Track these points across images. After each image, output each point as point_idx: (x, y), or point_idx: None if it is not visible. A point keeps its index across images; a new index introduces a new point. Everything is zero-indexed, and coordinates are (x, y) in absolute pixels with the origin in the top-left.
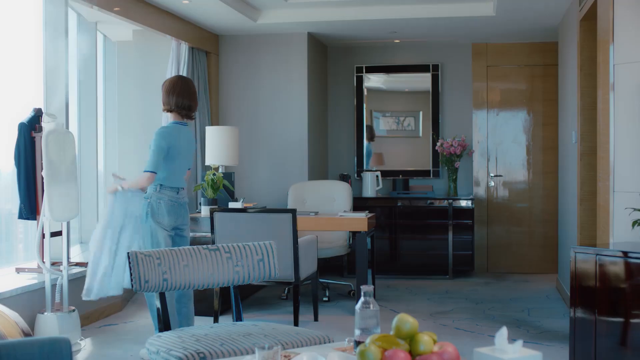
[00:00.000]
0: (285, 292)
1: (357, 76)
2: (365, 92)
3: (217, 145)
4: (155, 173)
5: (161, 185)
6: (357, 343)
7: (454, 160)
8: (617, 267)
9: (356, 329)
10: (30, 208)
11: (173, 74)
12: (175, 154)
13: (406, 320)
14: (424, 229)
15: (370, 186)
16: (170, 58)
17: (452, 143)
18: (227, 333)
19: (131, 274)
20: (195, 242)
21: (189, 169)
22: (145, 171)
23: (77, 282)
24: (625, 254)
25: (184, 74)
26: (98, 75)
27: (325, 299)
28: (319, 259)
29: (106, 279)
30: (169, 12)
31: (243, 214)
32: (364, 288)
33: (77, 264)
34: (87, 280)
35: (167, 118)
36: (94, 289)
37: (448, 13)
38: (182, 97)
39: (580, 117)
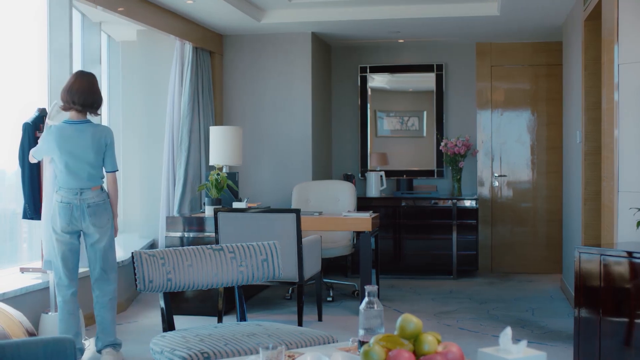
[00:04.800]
0: (289, 292)
1: (361, 76)
2: (369, 92)
3: (221, 145)
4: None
5: (60, 187)
6: (361, 343)
7: (458, 160)
8: (621, 267)
9: (360, 329)
10: (34, 208)
11: (177, 74)
12: (69, 153)
13: (410, 320)
14: (428, 229)
15: (374, 186)
16: (174, 58)
17: (456, 143)
18: (231, 333)
19: (135, 274)
20: (199, 242)
21: (114, 171)
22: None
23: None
24: (630, 254)
25: (188, 74)
26: (102, 76)
27: (329, 299)
28: (322, 259)
29: None
30: (173, 12)
31: (247, 214)
32: (367, 288)
33: None
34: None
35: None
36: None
37: (452, 13)
38: (79, 93)
39: (585, 116)
